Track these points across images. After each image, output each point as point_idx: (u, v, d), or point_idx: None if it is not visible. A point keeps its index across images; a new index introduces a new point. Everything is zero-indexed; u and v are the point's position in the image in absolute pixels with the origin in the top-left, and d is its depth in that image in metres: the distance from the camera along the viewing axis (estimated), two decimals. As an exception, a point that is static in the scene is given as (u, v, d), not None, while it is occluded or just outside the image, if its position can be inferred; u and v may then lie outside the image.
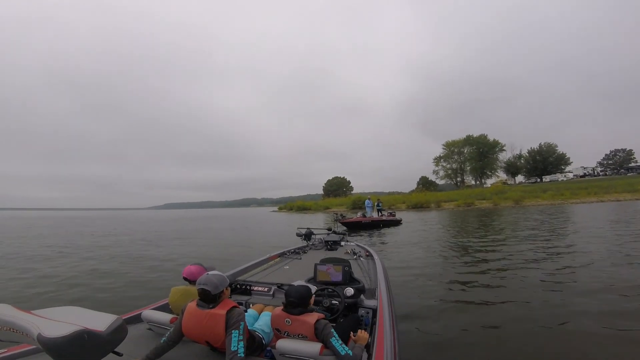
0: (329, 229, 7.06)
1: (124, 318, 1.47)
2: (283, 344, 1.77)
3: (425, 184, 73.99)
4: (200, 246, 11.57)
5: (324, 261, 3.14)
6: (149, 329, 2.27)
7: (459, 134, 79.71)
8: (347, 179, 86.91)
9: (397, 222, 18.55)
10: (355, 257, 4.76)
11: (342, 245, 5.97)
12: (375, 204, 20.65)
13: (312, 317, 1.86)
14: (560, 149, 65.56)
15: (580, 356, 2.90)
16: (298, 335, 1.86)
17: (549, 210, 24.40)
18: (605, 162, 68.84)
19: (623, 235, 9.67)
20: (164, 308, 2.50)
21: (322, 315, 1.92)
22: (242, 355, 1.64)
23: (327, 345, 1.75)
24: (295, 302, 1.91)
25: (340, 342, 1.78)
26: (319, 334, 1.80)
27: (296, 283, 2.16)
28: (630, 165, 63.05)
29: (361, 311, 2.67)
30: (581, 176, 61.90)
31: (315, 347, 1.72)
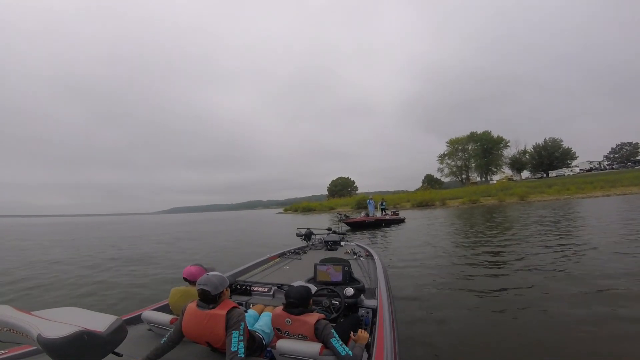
0: (329, 229, 7.03)
1: (124, 319, 1.50)
2: (283, 344, 1.78)
3: (430, 182, 73.61)
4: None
5: (324, 261, 3.14)
6: (149, 329, 2.29)
7: (463, 132, 79.18)
8: (352, 179, 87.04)
9: (401, 221, 18.62)
10: (355, 257, 4.74)
11: (342, 245, 5.95)
12: (379, 203, 20.71)
13: (312, 318, 1.86)
14: (566, 144, 64.89)
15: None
16: (298, 335, 1.86)
17: (554, 205, 24.08)
18: (611, 156, 67.70)
19: (618, 228, 9.61)
20: (164, 309, 2.52)
21: (322, 316, 1.92)
22: (243, 355, 1.65)
23: (327, 345, 1.76)
24: (295, 302, 1.92)
25: (340, 342, 1.78)
26: (319, 334, 1.80)
27: (296, 283, 2.17)
28: (637, 158, 61.91)
29: (361, 311, 2.66)
30: (588, 170, 60.89)
31: (315, 347, 1.73)
